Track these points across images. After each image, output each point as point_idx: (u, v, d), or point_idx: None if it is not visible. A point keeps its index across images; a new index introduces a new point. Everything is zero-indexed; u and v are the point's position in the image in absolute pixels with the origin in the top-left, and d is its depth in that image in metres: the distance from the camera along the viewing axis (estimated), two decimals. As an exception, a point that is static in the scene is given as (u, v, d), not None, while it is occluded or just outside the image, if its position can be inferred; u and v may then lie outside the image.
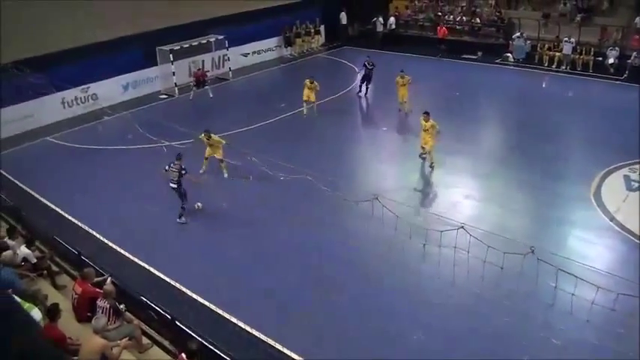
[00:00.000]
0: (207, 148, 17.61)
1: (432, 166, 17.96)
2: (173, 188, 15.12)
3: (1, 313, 1.58)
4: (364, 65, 25.09)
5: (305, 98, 22.69)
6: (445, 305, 11.67)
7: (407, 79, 22.41)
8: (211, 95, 26.16)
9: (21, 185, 17.95)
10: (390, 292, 12.16)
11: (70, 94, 23.94)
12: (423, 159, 18.27)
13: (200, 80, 26.02)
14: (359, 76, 26.26)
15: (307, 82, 22.72)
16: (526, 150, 19.09)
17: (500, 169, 18.08)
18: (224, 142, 17.81)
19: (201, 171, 17.60)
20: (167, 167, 15.03)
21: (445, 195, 16.63)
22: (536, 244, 11.17)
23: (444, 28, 32.36)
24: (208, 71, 27.83)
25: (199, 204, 15.94)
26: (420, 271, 12.79)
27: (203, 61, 28.81)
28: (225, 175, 17.66)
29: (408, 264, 13.01)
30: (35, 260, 11.66)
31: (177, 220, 15.32)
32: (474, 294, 11.64)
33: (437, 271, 12.46)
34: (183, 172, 14.89)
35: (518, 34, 29.79)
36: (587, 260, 12.24)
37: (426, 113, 17.95)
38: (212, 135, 17.43)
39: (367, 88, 25.23)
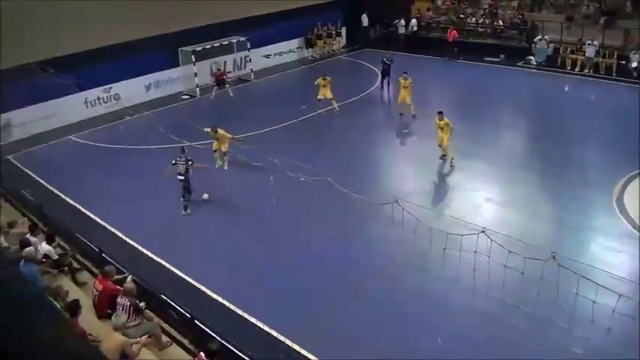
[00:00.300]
0: (214, 142, 18.27)
1: (452, 164, 18.06)
2: (181, 180, 15.75)
3: (31, 304, 1.60)
4: (382, 62, 25.73)
5: (320, 97, 22.83)
6: (465, 310, 11.60)
7: (409, 81, 22.36)
8: (232, 95, 26.28)
9: (44, 183, 18.18)
10: (410, 296, 12.12)
11: (92, 93, 24.18)
12: (444, 160, 18.23)
13: (220, 80, 26.15)
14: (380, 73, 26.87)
15: (320, 80, 22.94)
16: (548, 154, 18.90)
17: (522, 173, 17.92)
18: (230, 136, 18.40)
19: (217, 165, 18.05)
20: (174, 161, 15.74)
21: (466, 199, 16.51)
22: (557, 250, 11.06)
23: (454, 31, 32.17)
24: (230, 72, 27.95)
25: (206, 195, 16.43)
26: (440, 275, 12.70)
27: (225, 62, 28.93)
28: (226, 167, 18.43)
29: (428, 268, 12.94)
30: (57, 257, 11.79)
31: (183, 212, 15.91)
32: (495, 299, 11.53)
33: (457, 276, 12.38)
34: (190, 162, 15.71)
35: (539, 36, 29.53)
36: (609, 267, 12.06)
37: (440, 112, 18.11)
38: (218, 129, 18.12)
39: (388, 83, 25.63)
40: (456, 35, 32.00)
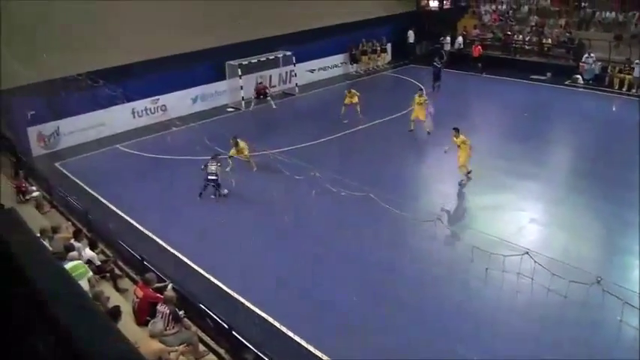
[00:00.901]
0: (232, 149, 18.99)
1: (460, 183, 17.84)
2: (212, 180, 17.31)
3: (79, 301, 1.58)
4: (433, 64, 27.02)
5: (347, 102, 23.66)
6: (506, 331, 11.31)
7: (424, 98, 22.35)
8: (274, 106, 26.50)
9: (89, 190, 18.54)
10: (452, 315, 11.89)
11: (140, 104, 24.70)
12: (462, 184, 17.94)
13: (261, 93, 26.40)
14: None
15: (346, 92, 23.79)
16: (596, 175, 18.40)
17: (569, 193, 17.48)
18: (246, 153, 19.12)
19: (227, 169, 18.47)
20: (204, 166, 17.51)
21: (510, 218, 16.17)
22: (602, 275, 10.73)
23: (478, 46, 32.19)
24: (275, 86, 28.20)
25: (226, 190, 17.54)
26: (482, 295, 12.45)
27: (270, 76, 29.24)
28: (254, 169, 19.15)
29: (470, 287, 12.70)
30: (99, 263, 11.96)
31: (222, 193, 17.44)
32: (537, 321, 11.24)
33: (499, 296, 12.12)
34: (219, 165, 17.54)
35: (586, 54, 28.95)
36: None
37: (456, 129, 18.02)
38: (239, 142, 19.04)
39: (438, 86, 26.31)
40: (481, 51, 31.97)
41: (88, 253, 11.83)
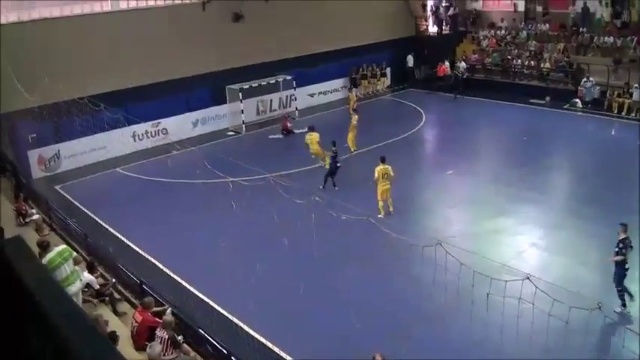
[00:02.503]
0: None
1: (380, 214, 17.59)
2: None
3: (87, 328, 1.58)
4: (454, 75, 29.46)
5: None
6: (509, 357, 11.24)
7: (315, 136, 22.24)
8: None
9: (89, 212, 18.53)
10: (455, 340, 11.83)
11: (141, 128, 24.78)
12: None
13: (285, 129, 26.90)
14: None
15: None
16: (596, 200, 18.40)
17: (568, 218, 17.47)
18: (316, 147, 21.46)
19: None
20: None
21: (510, 243, 16.16)
22: (603, 300, 10.68)
23: (443, 66, 33.31)
24: (275, 110, 28.47)
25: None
26: (483, 320, 12.38)
27: (271, 100, 29.45)
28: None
29: (472, 312, 12.63)
30: (98, 286, 11.90)
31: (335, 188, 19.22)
32: (539, 347, 11.17)
33: (500, 322, 12.04)
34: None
35: (585, 79, 29.11)
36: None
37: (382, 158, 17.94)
38: (311, 133, 21.59)
39: (459, 94, 27.80)
40: (446, 70, 32.98)
41: (87, 276, 11.77)
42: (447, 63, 34.38)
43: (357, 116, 23.68)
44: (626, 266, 12.47)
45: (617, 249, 12.56)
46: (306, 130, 23.33)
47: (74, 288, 10.18)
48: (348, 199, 16.67)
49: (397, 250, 14.45)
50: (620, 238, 12.66)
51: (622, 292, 12.37)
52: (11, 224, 15.19)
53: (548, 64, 31.82)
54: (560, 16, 33.37)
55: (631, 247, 12.60)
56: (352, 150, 22.94)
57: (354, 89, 32.31)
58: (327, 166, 20.03)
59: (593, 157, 22.89)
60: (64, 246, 11.31)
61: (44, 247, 10.80)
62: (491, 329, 12.10)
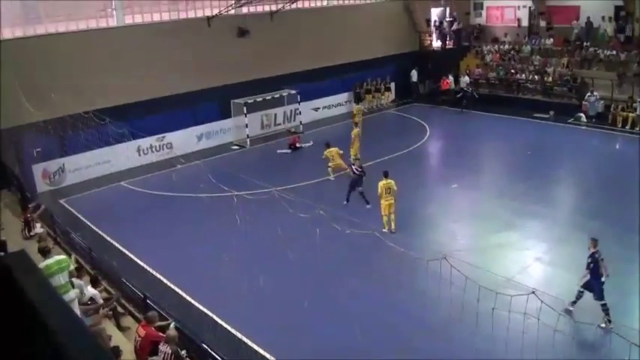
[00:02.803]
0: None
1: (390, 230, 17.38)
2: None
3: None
4: (463, 90, 31.39)
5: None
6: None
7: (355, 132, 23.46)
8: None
9: (93, 227, 18.54)
10: (460, 354, 11.75)
11: (145, 142, 24.85)
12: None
13: (293, 145, 26.95)
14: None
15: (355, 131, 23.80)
16: (600, 214, 18.34)
17: (573, 232, 17.37)
18: (338, 161, 22.06)
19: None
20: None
21: (515, 257, 16.08)
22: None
23: (447, 80, 33.63)
24: (279, 124, 28.55)
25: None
26: (488, 334, 12.30)
27: (275, 114, 29.55)
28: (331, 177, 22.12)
29: (476, 326, 12.55)
30: (102, 301, 11.88)
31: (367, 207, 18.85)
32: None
33: (505, 336, 11.96)
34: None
35: (589, 93, 29.13)
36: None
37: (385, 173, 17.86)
38: (329, 148, 22.00)
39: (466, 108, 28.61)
40: (449, 84, 33.38)
41: (91, 290, 11.76)
42: (450, 77, 34.53)
43: (357, 129, 23.69)
44: (603, 279, 12.51)
45: (588, 263, 12.61)
46: (311, 143, 23.36)
47: (66, 298, 10.13)
48: (352, 213, 16.68)
49: (402, 263, 14.41)
50: (590, 252, 12.70)
51: (606, 306, 12.35)
52: (17, 237, 15.26)
53: (551, 79, 31.86)
54: (564, 31, 33.50)
55: (602, 259, 12.65)
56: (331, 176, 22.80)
57: (360, 103, 32.57)
58: (351, 175, 20.23)
59: (598, 171, 22.86)
60: (64, 256, 11.31)
61: (45, 252, 10.78)
62: (496, 343, 12.02)
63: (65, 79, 21.28)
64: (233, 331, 12.66)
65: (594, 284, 12.57)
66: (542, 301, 11.37)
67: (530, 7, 35.88)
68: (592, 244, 12.85)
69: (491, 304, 12.29)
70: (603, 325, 12.16)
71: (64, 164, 22.68)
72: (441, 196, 21.38)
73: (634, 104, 27.67)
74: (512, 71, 33.71)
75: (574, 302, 12.69)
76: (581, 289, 12.78)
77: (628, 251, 15.80)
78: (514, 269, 14.96)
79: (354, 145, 23.10)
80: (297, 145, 27.11)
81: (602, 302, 12.40)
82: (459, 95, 32.45)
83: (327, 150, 22.04)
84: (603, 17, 31.79)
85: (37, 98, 19.34)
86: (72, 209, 20.36)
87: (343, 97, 33.64)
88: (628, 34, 30.85)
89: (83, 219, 19.26)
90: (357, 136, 23.37)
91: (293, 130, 28.54)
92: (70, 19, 23.27)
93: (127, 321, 12.17)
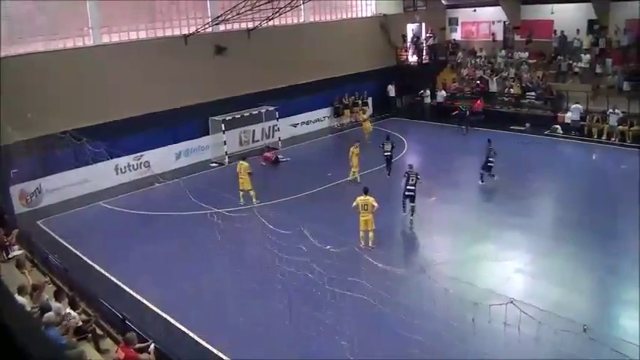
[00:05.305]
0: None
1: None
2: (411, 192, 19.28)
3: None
4: (459, 109, 31.14)
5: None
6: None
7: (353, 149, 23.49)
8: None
9: (71, 248, 18.35)
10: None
11: (123, 161, 24.74)
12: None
13: (267, 159, 27.25)
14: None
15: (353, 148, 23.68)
16: (577, 224, 18.62)
17: (552, 243, 17.60)
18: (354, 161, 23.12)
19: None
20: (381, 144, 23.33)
21: (496, 269, 16.19)
22: (590, 323, 10.70)
23: (478, 101, 32.58)
24: (258, 140, 28.73)
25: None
26: (469, 346, 12.36)
27: (254, 130, 29.59)
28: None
29: (459, 339, 12.60)
30: (80, 323, 11.72)
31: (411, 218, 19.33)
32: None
33: (487, 347, 12.06)
34: (419, 178, 19.45)
35: (573, 104, 29.54)
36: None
37: (365, 189, 17.92)
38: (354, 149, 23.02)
39: (467, 128, 28.85)
40: (481, 105, 32.34)
41: (69, 313, 11.61)
42: (427, 91, 34.92)
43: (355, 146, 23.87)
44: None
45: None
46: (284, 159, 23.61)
47: None
48: (332, 228, 16.65)
49: (381, 278, 14.42)
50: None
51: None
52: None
53: (526, 91, 32.25)
54: (541, 45, 34.04)
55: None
56: (354, 178, 23.40)
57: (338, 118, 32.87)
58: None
59: (573, 181, 23.16)
60: None
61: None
62: (480, 354, 12.09)
63: (41, 98, 21.12)
64: (215, 350, 12.57)
65: None
66: (521, 311, 11.46)
67: (504, 22, 36.43)
68: None
69: (472, 315, 12.40)
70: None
71: (41, 185, 22.44)
72: (420, 209, 21.43)
73: (607, 114, 28.16)
74: (488, 84, 34.04)
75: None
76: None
77: (609, 259, 16.04)
78: (495, 281, 15.05)
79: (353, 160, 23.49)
80: (270, 157, 27.38)
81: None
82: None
83: (354, 147, 23.36)
84: (578, 30, 32.34)
85: (13, 118, 19.17)
86: (49, 230, 20.13)
87: (322, 112, 33.82)
88: (602, 47, 31.42)
89: (61, 240, 19.05)
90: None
91: (270, 146, 28.55)
92: (49, 39, 23.11)
93: (106, 343, 12.01)
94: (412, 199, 19.27)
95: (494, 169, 22.32)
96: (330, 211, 20.11)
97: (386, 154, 24.23)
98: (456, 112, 31.57)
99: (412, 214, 19.29)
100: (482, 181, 23.05)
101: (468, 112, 30.83)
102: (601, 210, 19.61)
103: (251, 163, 22.31)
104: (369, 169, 24.08)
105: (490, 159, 22.79)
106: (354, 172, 23.50)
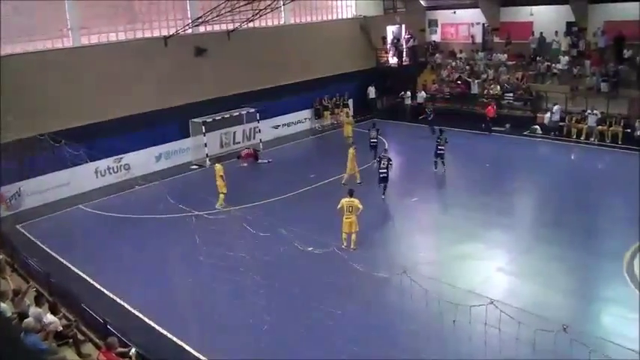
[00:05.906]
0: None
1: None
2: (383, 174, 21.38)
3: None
4: (427, 112, 31.55)
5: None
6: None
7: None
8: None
9: (50, 252, 18.21)
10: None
11: (103, 163, 24.61)
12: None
13: (251, 156, 27.53)
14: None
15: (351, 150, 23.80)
16: (557, 223, 18.82)
17: (533, 242, 17.80)
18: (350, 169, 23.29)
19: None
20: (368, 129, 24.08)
21: (477, 268, 16.31)
22: (569, 322, 10.85)
23: (489, 107, 31.57)
24: (239, 142, 28.68)
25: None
26: (449, 347, 12.47)
27: (234, 132, 29.55)
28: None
29: (439, 340, 12.71)
30: (61, 328, 11.65)
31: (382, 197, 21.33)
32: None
33: (469, 347, 12.16)
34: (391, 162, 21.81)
35: (552, 105, 29.83)
36: (621, 339, 11.82)
37: (350, 192, 17.97)
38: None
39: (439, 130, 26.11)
40: (493, 110, 31.62)
41: (50, 318, 11.53)
42: (408, 93, 35.11)
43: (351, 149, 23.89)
44: None
45: None
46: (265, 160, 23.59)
47: None
48: (314, 230, 16.71)
49: (362, 279, 14.50)
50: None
51: None
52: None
53: (505, 92, 32.51)
54: (520, 46, 34.32)
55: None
56: (357, 180, 23.26)
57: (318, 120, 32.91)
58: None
59: (551, 181, 23.41)
60: None
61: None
62: (461, 355, 12.19)
63: (18, 100, 20.89)
64: (196, 354, 12.55)
65: None
66: (502, 311, 11.59)
67: (483, 24, 36.70)
68: None
69: (452, 316, 12.51)
70: None
71: (20, 188, 22.23)
72: (402, 209, 21.60)
73: (586, 116, 28.53)
74: (468, 86, 34.26)
75: None
76: None
77: (589, 258, 16.29)
78: (476, 281, 15.19)
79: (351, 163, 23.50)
80: (247, 155, 27.63)
81: None
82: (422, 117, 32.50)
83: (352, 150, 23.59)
84: (556, 32, 32.67)
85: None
86: (29, 234, 19.95)
87: (303, 114, 33.87)
88: (580, 49, 31.77)
89: (40, 244, 18.89)
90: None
91: (252, 148, 28.57)
92: (27, 40, 22.86)
93: (88, 348, 11.95)
94: (384, 179, 21.57)
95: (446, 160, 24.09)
96: (312, 214, 20.16)
97: (372, 140, 25.84)
98: (423, 115, 31.87)
99: (384, 193, 21.63)
100: (435, 168, 24.34)
101: (432, 115, 31.15)
102: (580, 209, 19.86)
103: (225, 166, 22.19)
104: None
105: (440, 147, 24.18)
106: (355, 174, 23.48)
